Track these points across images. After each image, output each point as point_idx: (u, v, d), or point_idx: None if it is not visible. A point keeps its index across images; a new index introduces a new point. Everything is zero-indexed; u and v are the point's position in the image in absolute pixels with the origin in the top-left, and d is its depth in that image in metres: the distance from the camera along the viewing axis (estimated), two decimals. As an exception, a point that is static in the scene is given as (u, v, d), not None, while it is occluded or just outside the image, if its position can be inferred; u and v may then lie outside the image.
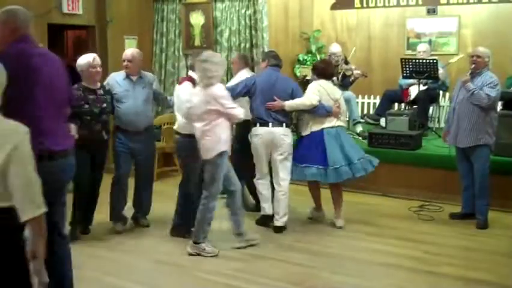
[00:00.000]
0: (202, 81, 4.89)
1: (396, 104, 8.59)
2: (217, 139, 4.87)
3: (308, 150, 5.57)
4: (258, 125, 5.48)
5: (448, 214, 6.05)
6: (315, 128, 5.59)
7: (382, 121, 7.85)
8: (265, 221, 5.73)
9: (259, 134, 5.49)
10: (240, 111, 4.98)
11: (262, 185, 5.71)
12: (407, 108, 8.12)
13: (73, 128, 4.03)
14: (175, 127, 5.44)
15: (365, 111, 9.06)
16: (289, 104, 5.49)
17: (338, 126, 5.66)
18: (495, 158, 6.06)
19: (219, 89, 4.90)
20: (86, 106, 5.13)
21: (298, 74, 8.94)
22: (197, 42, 8.87)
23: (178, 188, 5.52)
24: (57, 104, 3.57)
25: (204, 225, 5.03)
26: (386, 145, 7.04)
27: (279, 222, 5.60)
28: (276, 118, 5.47)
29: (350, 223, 5.88)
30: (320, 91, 5.60)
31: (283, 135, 5.49)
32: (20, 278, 2.50)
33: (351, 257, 5.00)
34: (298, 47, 9.38)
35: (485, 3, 8.34)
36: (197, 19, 8.80)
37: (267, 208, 5.74)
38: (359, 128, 7.90)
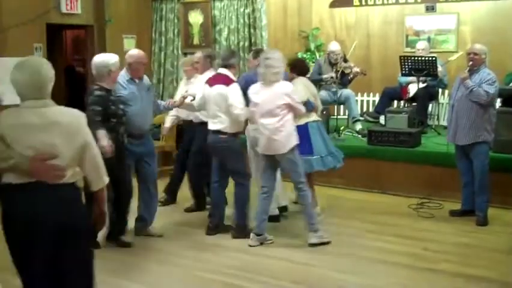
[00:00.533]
0: (266, 78, 5.02)
1: (395, 102, 8.59)
2: (290, 133, 5.08)
3: None
4: None
5: (447, 211, 6.06)
6: (300, 122, 5.68)
7: (381, 119, 7.86)
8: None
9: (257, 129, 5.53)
10: (303, 106, 5.22)
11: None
12: (406, 105, 8.12)
13: None
14: (218, 127, 5.34)
15: (364, 109, 9.06)
16: None
17: (318, 120, 5.93)
18: (494, 155, 6.07)
19: (287, 84, 5.12)
20: (113, 108, 4.87)
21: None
22: (196, 41, 8.88)
23: (239, 189, 5.44)
24: None
25: (313, 211, 5.26)
26: (386, 143, 7.04)
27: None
28: None
29: (350, 221, 5.90)
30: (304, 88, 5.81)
31: None
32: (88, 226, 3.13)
33: (352, 254, 5.00)
34: (297, 45, 9.38)
35: (483, 0, 8.33)
36: (196, 18, 8.81)
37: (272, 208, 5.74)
38: (358, 126, 7.89)
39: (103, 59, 4.94)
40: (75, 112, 3.02)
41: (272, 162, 5.21)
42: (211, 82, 5.43)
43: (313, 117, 5.85)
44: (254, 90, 5.17)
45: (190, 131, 6.36)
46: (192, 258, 4.97)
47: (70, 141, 2.90)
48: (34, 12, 7.43)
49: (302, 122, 5.72)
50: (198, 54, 6.35)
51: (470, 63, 5.63)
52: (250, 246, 5.19)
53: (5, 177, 2.88)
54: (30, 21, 7.32)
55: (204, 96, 5.46)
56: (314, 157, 5.75)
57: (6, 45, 7.13)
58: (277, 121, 5.01)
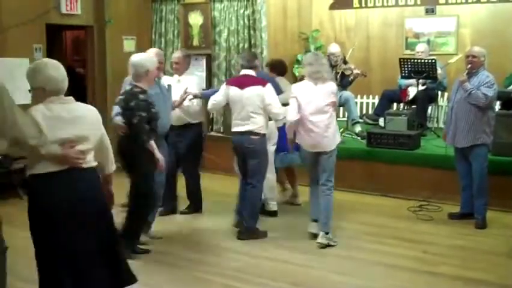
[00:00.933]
0: (322, 76, 5.21)
1: (395, 104, 8.59)
2: (336, 130, 5.30)
3: (282, 140, 5.94)
4: None
5: (446, 214, 6.06)
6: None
7: (381, 121, 7.86)
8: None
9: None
10: None
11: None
12: (405, 108, 8.12)
13: None
14: (250, 128, 5.35)
15: (364, 111, 9.06)
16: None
17: None
18: (494, 158, 6.08)
19: (333, 83, 5.40)
20: (153, 110, 4.78)
21: (297, 74, 8.94)
22: (195, 42, 8.87)
23: (250, 191, 5.42)
24: None
25: (331, 214, 5.30)
26: (385, 145, 7.05)
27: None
28: None
29: (349, 223, 5.90)
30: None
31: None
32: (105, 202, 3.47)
33: (351, 256, 5.01)
34: (297, 46, 9.36)
35: (483, 2, 8.33)
36: (195, 19, 8.79)
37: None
38: (358, 128, 7.89)
39: (140, 58, 4.87)
40: (92, 108, 3.46)
41: (316, 159, 5.30)
42: (240, 84, 5.43)
43: None
44: (298, 90, 5.27)
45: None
46: (191, 260, 4.96)
47: (92, 132, 3.34)
48: (34, 12, 7.42)
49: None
50: (177, 55, 6.27)
51: (469, 65, 5.65)
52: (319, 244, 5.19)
53: (33, 169, 3.16)
54: (30, 21, 7.31)
55: (229, 98, 5.46)
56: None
57: (6, 46, 7.11)
58: (327, 118, 5.17)
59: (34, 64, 3.35)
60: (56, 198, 3.14)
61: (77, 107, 3.34)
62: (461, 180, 5.87)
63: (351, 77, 7.93)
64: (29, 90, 3.25)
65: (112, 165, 3.60)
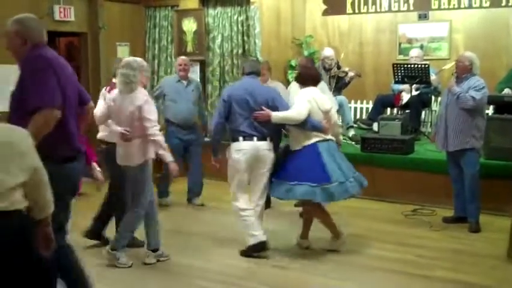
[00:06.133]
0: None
1: (388, 109, 8.62)
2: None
3: (301, 166, 4.96)
4: (241, 139, 5.01)
5: (440, 218, 6.08)
6: (307, 142, 5.01)
7: (375, 126, 7.88)
8: (261, 247, 5.10)
9: (243, 149, 5.00)
10: None
11: (248, 211, 5.10)
12: (399, 112, 8.15)
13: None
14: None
15: (358, 116, 9.08)
16: (275, 115, 4.97)
17: (329, 139, 5.10)
18: (486, 162, 6.10)
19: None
20: None
21: (291, 80, 8.96)
22: (189, 48, 8.88)
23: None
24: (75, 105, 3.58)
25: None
26: (379, 150, 7.06)
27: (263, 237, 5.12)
28: (260, 131, 5.01)
29: (344, 228, 5.87)
30: (310, 102, 5.04)
31: (267, 150, 5.07)
32: None
33: (346, 261, 5.01)
34: (291, 52, 9.40)
35: (476, 8, 8.37)
36: (189, 25, 8.81)
37: (260, 235, 5.07)
38: (352, 133, 7.92)
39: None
40: (19, 129, 2.87)
41: None
42: None
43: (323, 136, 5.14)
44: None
45: None
46: (188, 267, 4.95)
47: (18, 163, 2.70)
48: (27, 19, 7.41)
49: (309, 142, 5.03)
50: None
51: (456, 70, 5.73)
52: None
53: None
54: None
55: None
56: (331, 185, 4.91)
57: (-1, 52, 7.10)
58: None
59: None
60: None
61: None
62: (454, 184, 5.89)
63: (347, 79, 7.96)
64: None
65: (50, 207, 2.78)
